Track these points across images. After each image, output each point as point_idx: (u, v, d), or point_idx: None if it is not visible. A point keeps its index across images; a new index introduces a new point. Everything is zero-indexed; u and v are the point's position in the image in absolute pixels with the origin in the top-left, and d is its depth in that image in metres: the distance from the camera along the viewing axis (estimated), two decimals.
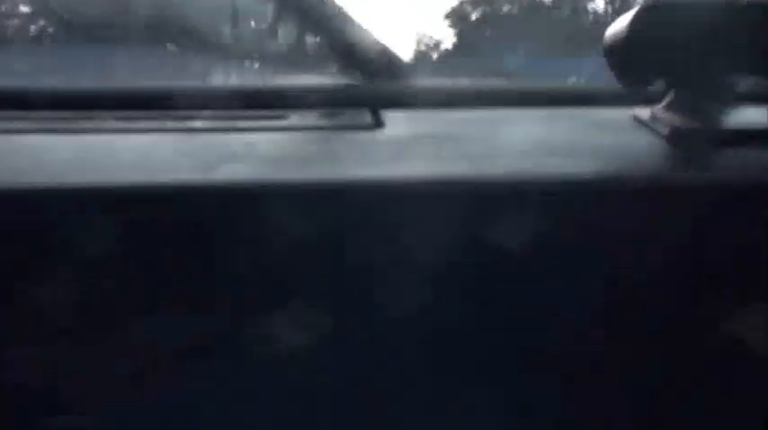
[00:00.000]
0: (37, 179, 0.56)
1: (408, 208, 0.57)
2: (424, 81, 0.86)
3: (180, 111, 0.72)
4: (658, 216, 0.59)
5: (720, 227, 0.59)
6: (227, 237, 0.54)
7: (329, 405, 0.57)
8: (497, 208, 0.57)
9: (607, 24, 0.65)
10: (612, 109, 0.75)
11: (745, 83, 0.71)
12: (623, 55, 0.64)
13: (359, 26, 0.87)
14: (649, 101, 0.71)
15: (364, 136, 0.68)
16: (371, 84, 0.82)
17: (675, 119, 0.66)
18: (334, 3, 0.87)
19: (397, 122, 0.70)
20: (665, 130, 0.66)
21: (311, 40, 0.89)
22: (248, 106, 0.74)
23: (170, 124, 0.69)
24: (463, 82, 0.87)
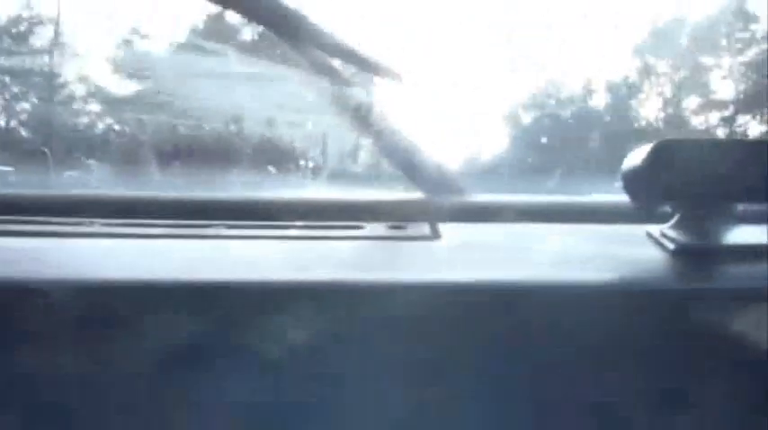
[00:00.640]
0: (177, 276, 0.66)
1: (455, 308, 0.65)
2: (476, 197, 0.99)
3: (277, 221, 0.85)
4: (666, 321, 0.65)
5: (721, 332, 0.65)
6: (318, 329, 0.63)
7: None
8: (528, 310, 0.65)
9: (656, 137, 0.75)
10: (629, 225, 0.83)
11: (742, 207, 0.77)
12: (638, 183, 0.73)
13: (422, 150, 1.01)
14: (660, 219, 0.79)
15: (424, 245, 0.79)
16: (432, 200, 0.95)
17: (682, 236, 0.74)
18: (401, 131, 1.01)
19: (452, 234, 0.82)
20: (672, 246, 0.73)
21: (384, 162, 1.03)
22: (331, 217, 0.88)
23: (268, 232, 0.81)
24: (508, 197, 1.00)
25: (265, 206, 0.91)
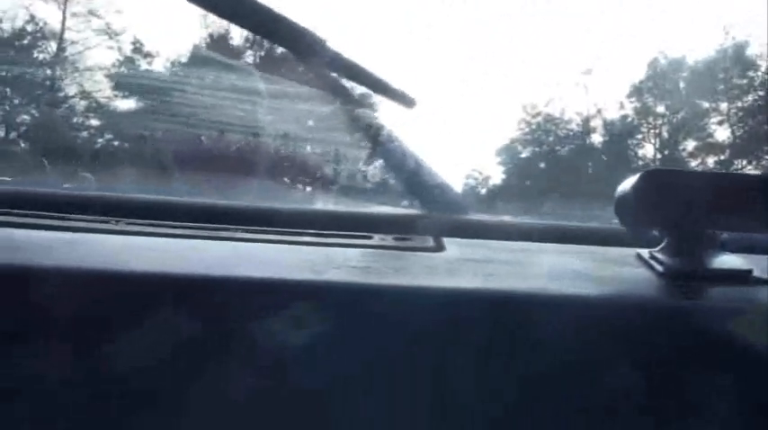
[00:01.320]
0: (192, 272, 0.70)
1: (455, 313, 0.68)
2: (477, 215, 1.04)
3: (290, 229, 0.89)
4: (653, 336, 0.69)
5: (705, 348, 0.69)
6: (327, 327, 0.66)
7: None
8: (523, 319, 0.69)
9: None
10: (620, 248, 0.88)
11: (725, 235, 0.82)
12: (629, 209, 0.78)
13: (429, 168, 1.06)
14: (650, 243, 0.83)
15: (428, 256, 0.83)
16: (435, 215, 1.00)
17: (670, 259, 0.78)
18: (409, 150, 1.06)
19: (454, 247, 0.86)
20: (661, 268, 0.78)
21: (391, 178, 1.08)
22: (342, 227, 0.92)
23: (283, 237, 0.86)
24: (507, 218, 1.05)
25: (280, 214, 0.96)
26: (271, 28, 1.07)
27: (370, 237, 0.89)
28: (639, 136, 16.53)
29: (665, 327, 0.70)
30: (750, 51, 16.27)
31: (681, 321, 0.70)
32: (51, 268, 0.68)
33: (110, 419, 0.65)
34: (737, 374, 0.68)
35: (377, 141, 1.07)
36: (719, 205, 0.76)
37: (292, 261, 0.78)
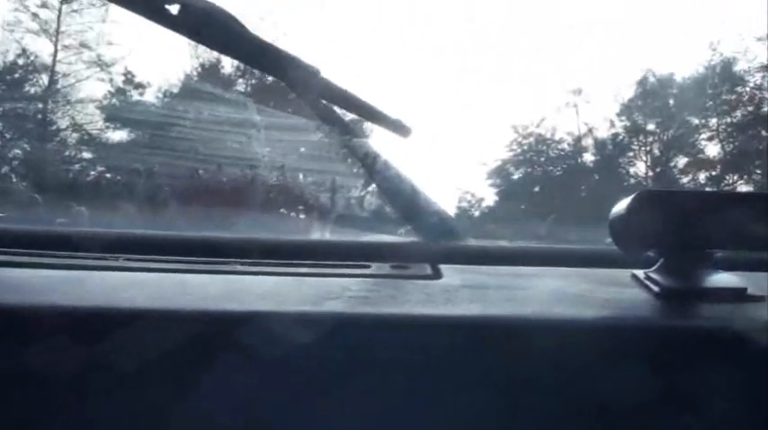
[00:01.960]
0: (195, 307, 0.70)
1: (453, 340, 0.69)
2: (474, 241, 1.04)
3: (290, 260, 0.90)
4: (649, 357, 0.69)
5: (703, 367, 0.68)
6: (329, 359, 0.67)
7: None
8: (522, 343, 0.69)
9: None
10: (616, 269, 0.88)
11: (720, 254, 0.82)
12: (624, 231, 0.78)
13: (425, 195, 1.07)
14: (645, 264, 0.83)
15: (426, 284, 0.83)
16: (432, 243, 1.01)
17: (665, 280, 0.79)
18: (405, 179, 1.08)
19: (452, 274, 0.86)
20: (657, 288, 0.78)
21: (389, 207, 1.09)
22: (340, 257, 0.93)
23: (281, 269, 0.86)
24: (503, 243, 1.06)
25: (278, 246, 0.97)
26: (262, 59, 1.08)
27: (367, 266, 0.90)
28: (631, 154, 16.62)
29: (663, 348, 0.70)
30: (737, 67, 16.46)
31: (678, 341, 0.71)
32: (51, 308, 0.69)
33: None
34: (736, 393, 0.68)
35: (373, 170, 1.08)
36: (713, 224, 0.77)
37: (291, 292, 0.78)
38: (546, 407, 0.68)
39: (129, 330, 0.67)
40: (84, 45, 14.12)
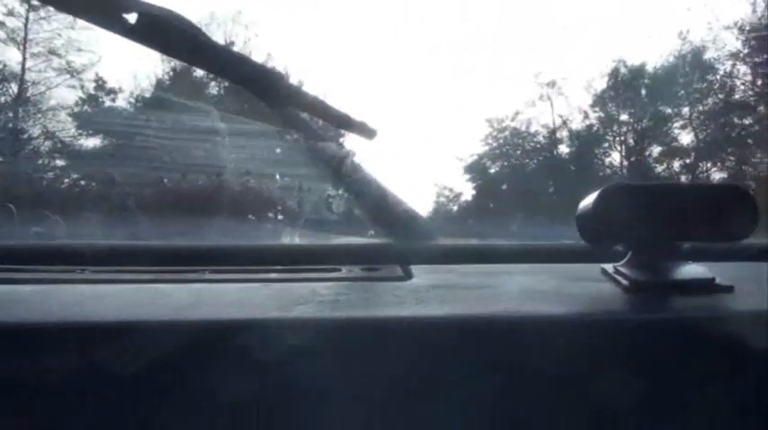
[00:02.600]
0: (162, 317, 0.69)
1: (424, 341, 0.68)
2: (444, 241, 1.04)
3: (258, 266, 0.89)
4: (619, 350, 0.69)
5: (670, 359, 0.69)
6: (300, 365, 0.66)
7: None
8: (494, 341, 0.69)
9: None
10: (586, 264, 0.89)
11: (687, 245, 0.83)
12: (591, 225, 0.78)
13: (394, 196, 1.06)
14: (614, 258, 0.84)
15: (397, 285, 0.83)
16: (402, 244, 1.01)
17: (634, 273, 0.79)
18: (373, 181, 1.07)
19: (423, 274, 0.86)
20: (626, 282, 0.79)
21: (357, 209, 1.09)
22: (309, 261, 0.92)
23: (251, 276, 0.85)
24: (474, 242, 1.06)
25: (246, 252, 0.96)
26: (228, 67, 1.07)
27: (338, 270, 0.89)
28: (606, 144, 16.75)
29: (634, 342, 0.70)
30: (707, 55, 16.64)
31: (649, 335, 0.71)
32: (17, 323, 0.67)
33: None
34: (708, 383, 0.69)
35: (340, 172, 1.08)
36: (680, 216, 0.77)
37: (260, 299, 0.77)
38: (519, 404, 0.68)
39: (96, 344, 0.66)
40: (52, 52, 13.95)
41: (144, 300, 0.77)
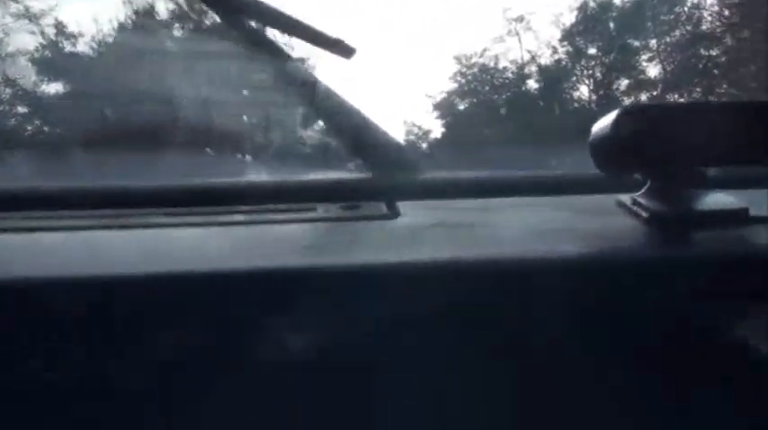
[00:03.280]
0: (103, 270, 0.60)
1: (419, 288, 0.61)
2: (433, 173, 0.94)
3: (220, 207, 0.79)
4: (640, 292, 0.63)
5: (695, 299, 0.63)
6: (264, 319, 0.58)
7: None
8: (499, 288, 0.62)
9: (587, 116, 0.72)
10: (599, 195, 0.81)
11: (713, 171, 0.75)
12: (606, 151, 0.71)
13: (375, 125, 0.96)
14: (631, 188, 0.76)
15: (382, 225, 0.74)
16: (386, 178, 0.90)
17: (655, 204, 0.72)
18: (350, 108, 0.96)
19: (411, 212, 0.77)
20: (645, 214, 0.71)
21: (334, 140, 0.98)
22: (280, 199, 0.82)
23: (211, 218, 0.76)
24: (466, 173, 0.95)
25: (205, 191, 0.84)
26: None
27: (313, 209, 0.79)
28: (574, 78, 16.72)
29: (657, 282, 0.63)
30: None
31: (674, 274, 0.63)
32: None
33: None
34: (741, 329, 0.62)
35: (314, 99, 0.96)
36: (705, 138, 0.69)
37: (223, 246, 0.68)
38: (529, 353, 0.61)
39: (28, 302, 0.57)
40: None
41: (81, 249, 0.67)
